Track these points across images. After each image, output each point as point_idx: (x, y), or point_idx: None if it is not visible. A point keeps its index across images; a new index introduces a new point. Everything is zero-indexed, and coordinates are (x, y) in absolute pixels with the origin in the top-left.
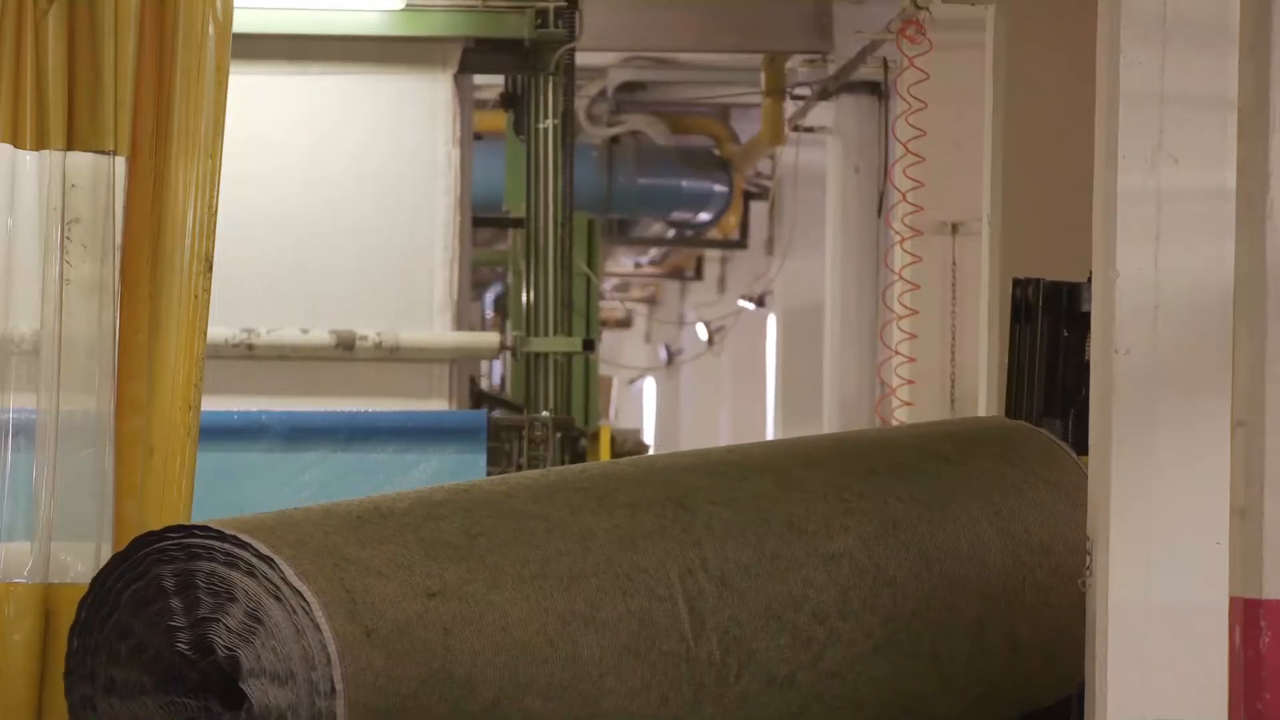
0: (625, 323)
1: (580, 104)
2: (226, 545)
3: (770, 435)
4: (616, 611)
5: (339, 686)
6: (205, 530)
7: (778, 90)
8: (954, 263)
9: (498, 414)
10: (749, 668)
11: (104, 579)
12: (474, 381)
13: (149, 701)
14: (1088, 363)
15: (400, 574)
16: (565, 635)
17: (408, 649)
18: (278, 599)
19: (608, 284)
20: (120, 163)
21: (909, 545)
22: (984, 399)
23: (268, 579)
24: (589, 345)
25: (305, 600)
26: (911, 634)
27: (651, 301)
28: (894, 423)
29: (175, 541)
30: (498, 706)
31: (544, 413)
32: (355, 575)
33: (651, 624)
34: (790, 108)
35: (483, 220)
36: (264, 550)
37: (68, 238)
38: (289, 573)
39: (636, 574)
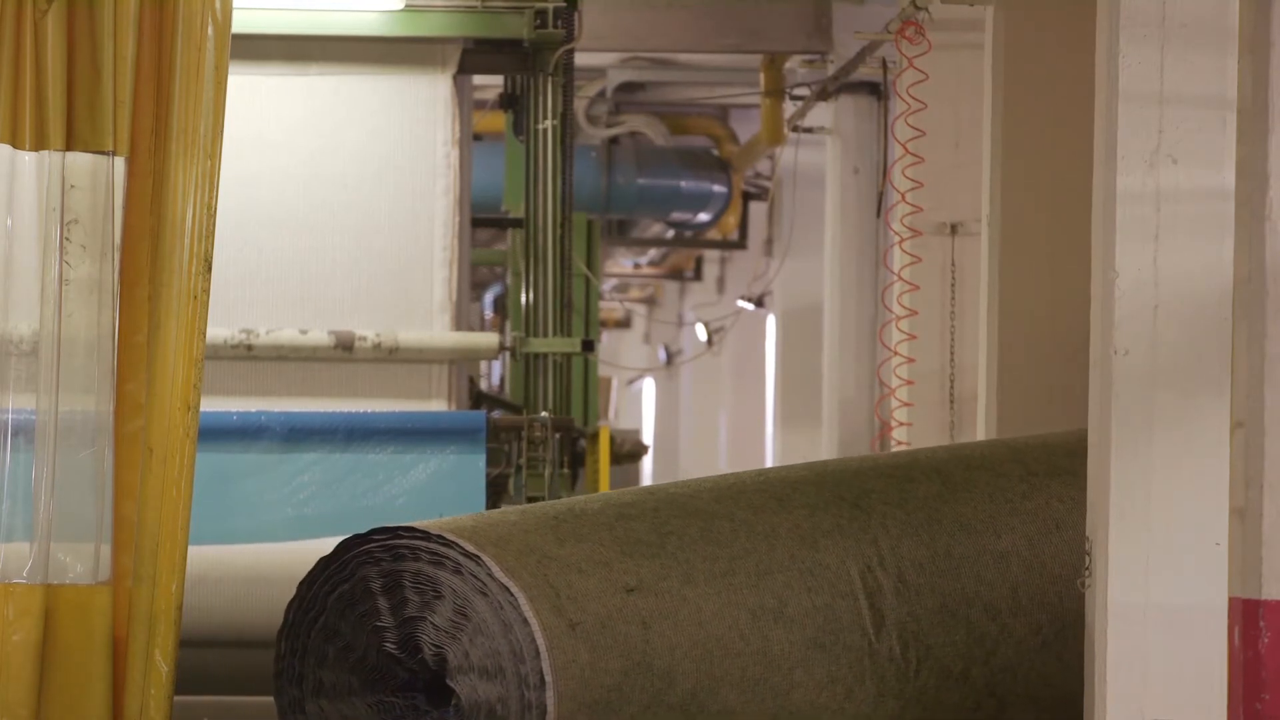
0: (624, 323)
1: (579, 104)
2: (433, 545)
3: (770, 436)
4: (802, 607)
5: (548, 678)
6: (411, 531)
7: (777, 91)
8: (953, 263)
9: (497, 414)
10: (927, 662)
11: (310, 583)
12: (473, 382)
13: (357, 702)
14: None
15: (599, 570)
16: (756, 630)
17: (610, 642)
18: (484, 595)
19: (607, 284)
20: (119, 163)
21: (1072, 544)
22: (983, 399)
23: (474, 576)
24: (588, 346)
25: (513, 595)
26: (1077, 632)
27: (651, 302)
28: (893, 423)
29: (380, 543)
30: (695, 698)
31: (543, 413)
32: (558, 571)
33: (835, 619)
34: (789, 108)
35: (482, 221)
36: (470, 548)
37: (67, 238)
38: (495, 570)
39: (819, 571)
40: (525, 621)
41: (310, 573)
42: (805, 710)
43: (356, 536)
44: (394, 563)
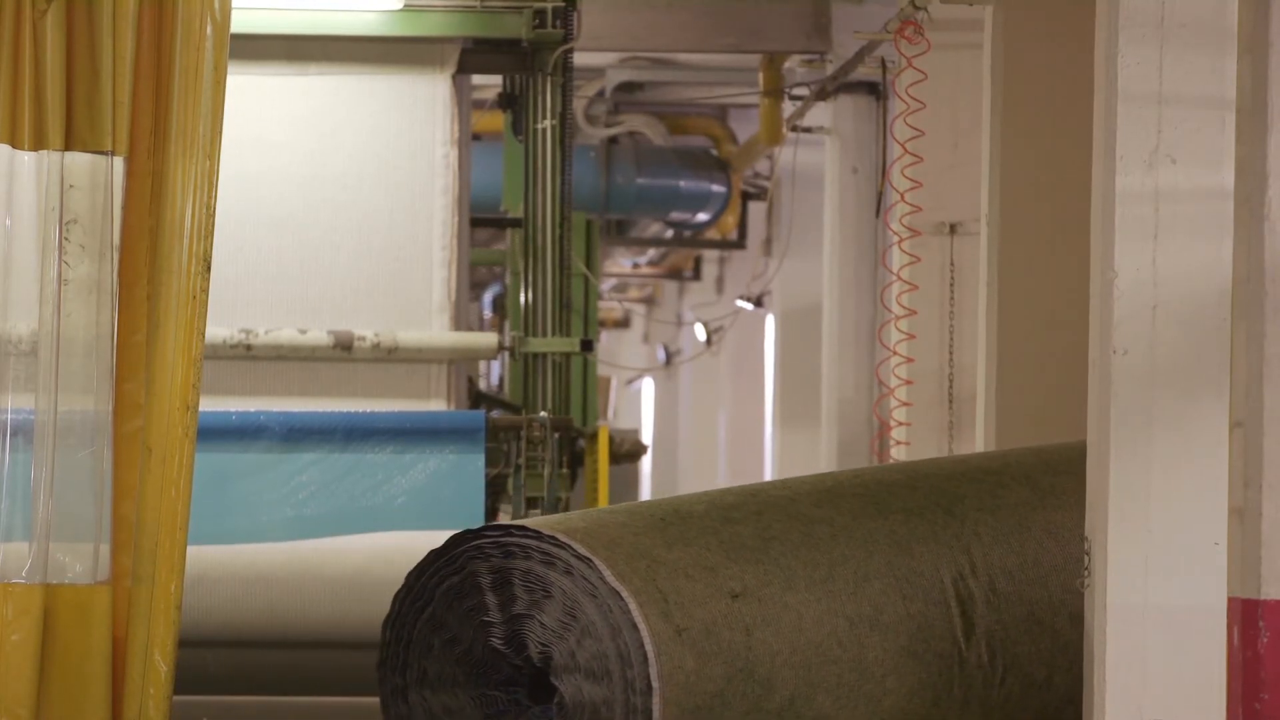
0: (623, 323)
1: (578, 104)
2: (544, 545)
3: (769, 435)
4: (897, 614)
5: (655, 684)
6: (523, 529)
7: (776, 91)
8: (952, 263)
9: (496, 414)
10: (1012, 670)
11: (420, 574)
12: (472, 382)
13: (460, 693)
14: None
15: (705, 575)
16: (853, 637)
17: (715, 649)
18: (593, 598)
19: (606, 284)
20: (118, 163)
21: None
22: (982, 399)
23: (585, 579)
24: (587, 345)
25: (623, 600)
26: None
27: (650, 302)
28: (892, 423)
29: (493, 540)
30: (792, 705)
31: (542, 413)
32: (666, 576)
33: (928, 627)
34: (788, 108)
35: (481, 220)
36: (582, 551)
37: (66, 238)
38: (607, 573)
39: (914, 578)
40: (634, 626)
41: (420, 564)
42: (895, 717)
43: (469, 531)
44: (504, 560)
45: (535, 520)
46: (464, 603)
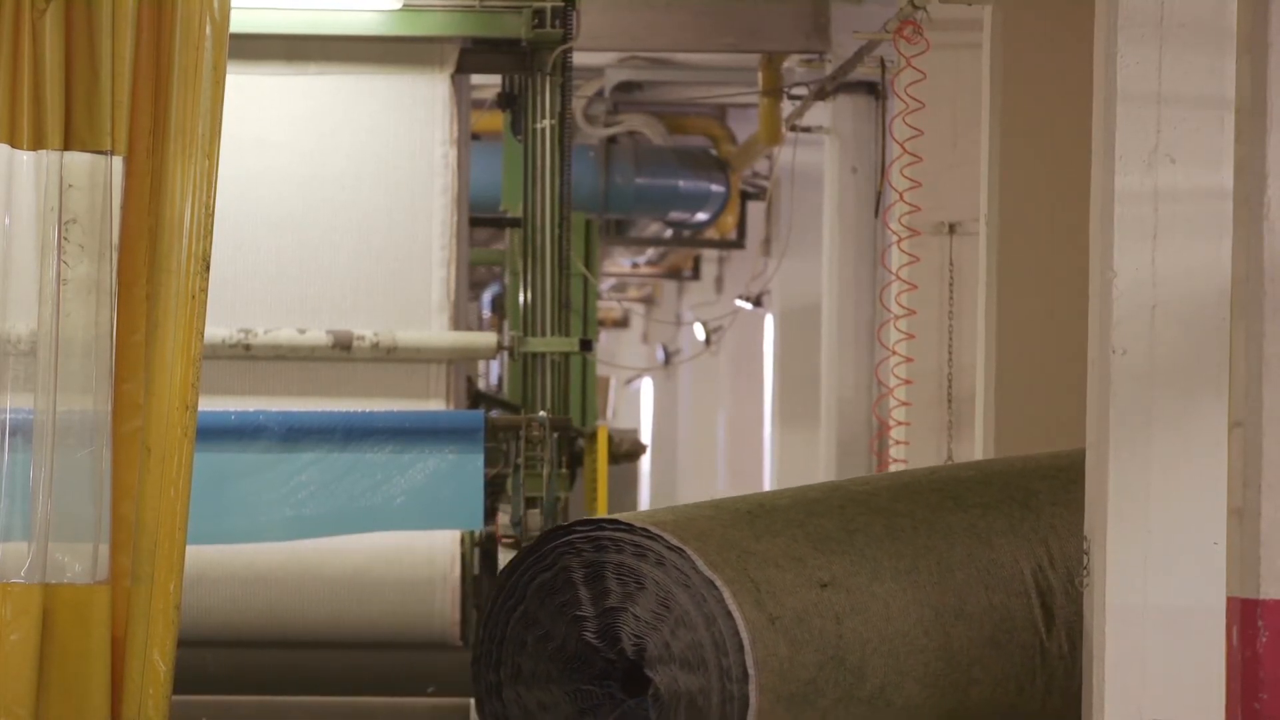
0: (623, 323)
1: (578, 104)
2: (636, 538)
3: (768, 435)
4: (980, 605)
5: (751, 671)
6: (614, 524)
7: (775, 90)
8: (951, 263)
9: (495, 414)
10: None
11: (511, 571)
12: (471, 381)
13: (554, 689)
14: None
15: (794, 566)
16: (938, 626)
17: (807, 636)
18: (687, 588)
19: (605, 284)
20: (117, 163)
21: None
22: (981, 399)
23: (678, 569)
24: (586, 345)
25: (717, 589)
26: None
27: (649, 301)
28: (891, 423)
29: (584, 535)
30: (883, 693)
31: (541, 413)
32: (757, 566)
33: (1010, 618)
34: (787, 108)
35: (480, 220)
36: (674, 542)
37: (65, 238)
38: (700, 563)
39: (995, 569)
40: (729, 615)
41: (511, 561)
42: (981, 707)
43: (560, 527)
44: (596, 554)
45: (625, 515)
46: (556, 598)
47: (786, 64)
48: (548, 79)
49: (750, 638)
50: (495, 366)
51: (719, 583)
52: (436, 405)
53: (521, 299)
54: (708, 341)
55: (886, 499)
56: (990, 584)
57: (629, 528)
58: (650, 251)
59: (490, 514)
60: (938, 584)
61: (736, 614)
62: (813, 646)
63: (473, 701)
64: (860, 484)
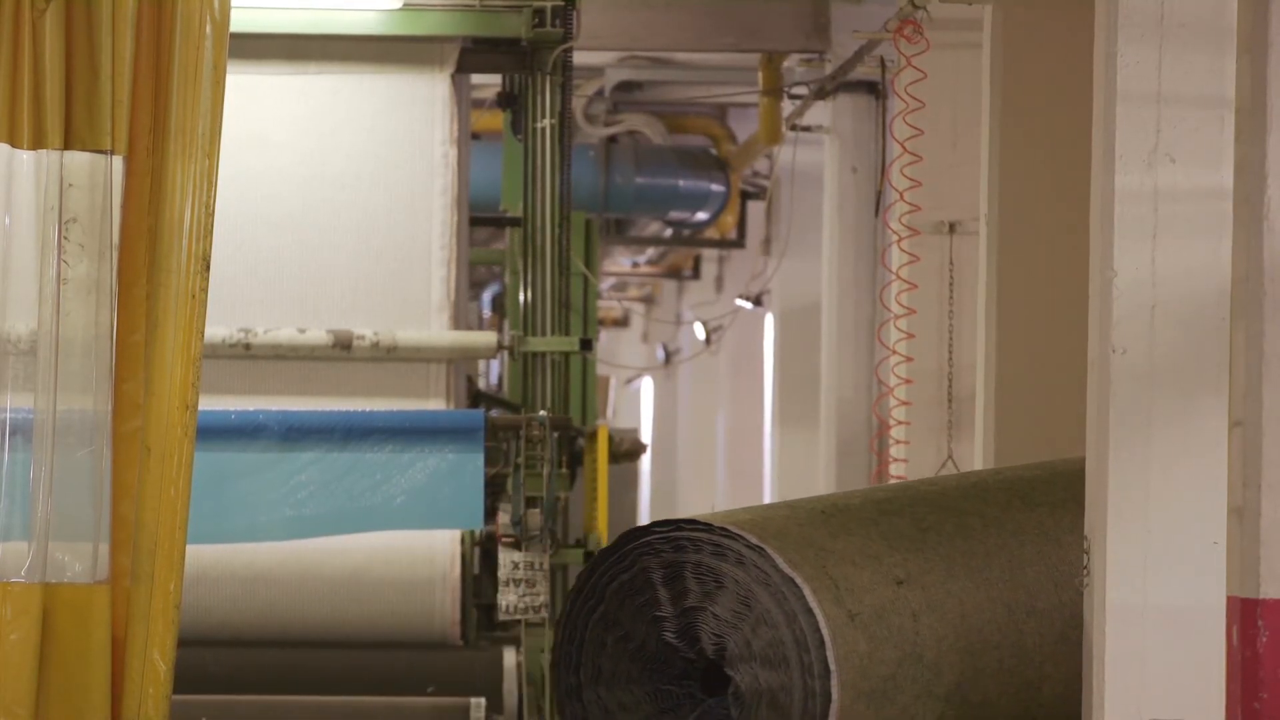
0: (623, 322)
1: (578, 104)
2: (715, 537)
3: (768, 434)
4: (1050, 602)
5: (833, 667)
6: (693, 524)
7: (775, 90)
8: (951, 262)
9: (495, 413)
10: None
11: (590, 573)
12: (471, 381)
13: (635, 689)
14: None
15: (871, 563)
16: (1011, 623)
17: (885, 633)
18: (766, 586)
19: (605, 283)
20: (117, 162)
21: None
22: (982, 398)
23: (757, 568)
24: (586, 345)
25: (797, 587)
26: None
27: (649, 301)
28: (891, 422)
29: (662, 535)
30: (959, 690)
31: (541, 412)
32: (835, 564)
33: (1079, 615)
34: (787, 107)
35: (480, 220)
36: (754, 541)
37: (65, 237)
38: (780, 561)
39: (1063, 567)
40: (810, 612)
41: (590, 563)
42: (1053, 704)
43: (638, 528)
44: (675, 554)
45: (702, 515)
46: (636, 599)
47: (786, 63)
48: (548, 78)
49: (831, 634)
50: (495, 366)
51: (799, 580)
52: (436, 405)
53: (521, 298)
54: (708, 341)
55: (955, 498)
56: (1060, 581)
57: (708, 527)
58: (650, 251)
59: (490, 513)
60: (1009, 581)
61: (817, 611)
62: (891, 643)
63: (471, 701)
64: (928, 484)
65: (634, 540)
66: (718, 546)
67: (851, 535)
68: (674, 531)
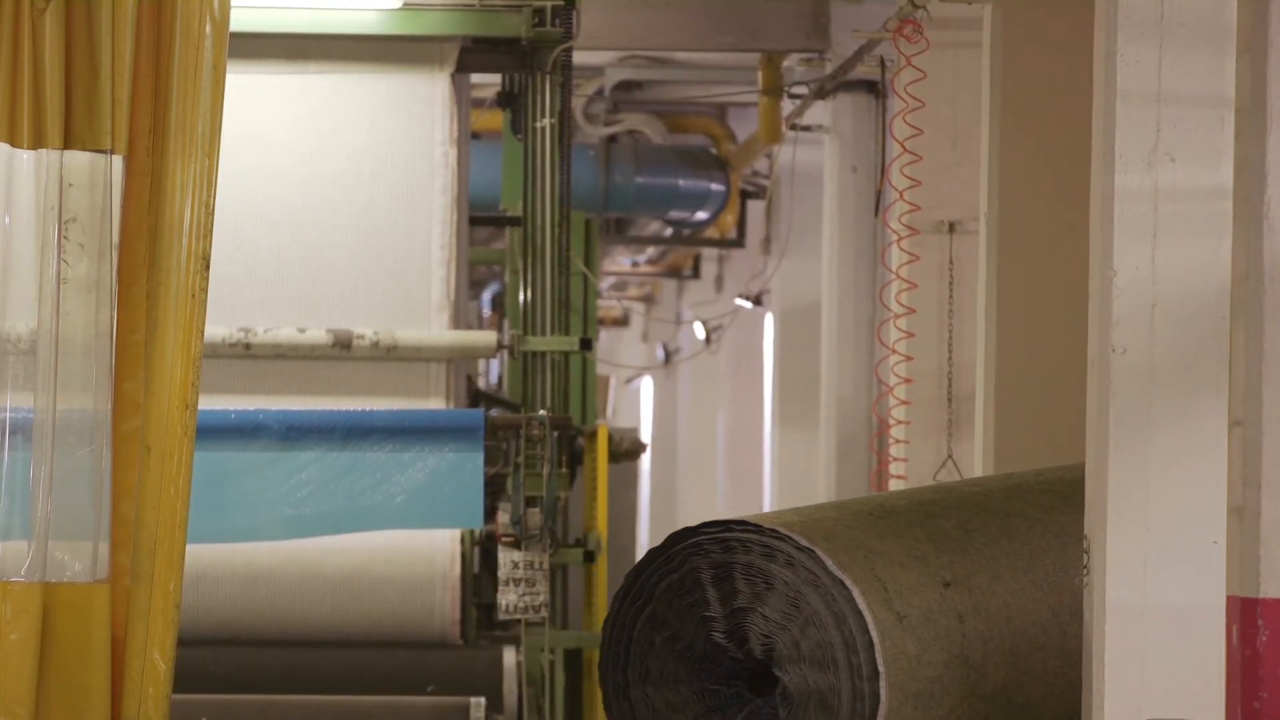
0: (623, 322)
1: (577, 103)
2: (765, 538)
3: (768, 434)
4: None
5: (881, 669)
6: (742, 524)
7: (775, 89)
8: (951, 261)
9: (495, 413)
10: None
11: (638, 573)
12: (471, 380)
13: (682, 689)
14: None
15: (918, 565)
16: (1055, 625)
17: (933, 635)
18: (816, 588)
19: (605, 283)
20: (117, 161)
21: None
22: (982, 397)
23: (807, 569)
24: (586, 344)
25: (846, 588)
26: None
27: (649, 300)
28: (891, 421)
29: (711, 536)
30: (1004, 691)
31: (541, 411)
32: (883, 566)
33: None
34: (787, 107)
35: (480, 219)
36: (804, 542)
37: (65, 237)
38: (829, 563)
39: None
40: (859, 613)
41: (638, 563)
42: None
43: (687, 529)
44: (725, 554)
45: (751, 516)
46: (684, 599)
47: (786, 63)
48: (548, 78)
49: (880, 636)
50: (495, 365)
51: (849, 582)
52: (436, 404)
53: (521, 298)
54: (708, 340)
55: (999, 500)
56: None
57: (757, 529)
58: (650, 250)
59: (490, 513)
60: (1054, 583)
61: (866, 613)
62: (939, 645)
63: (471, 701)
64: (972, 485)
65: (683, 541)
66: (767, 548)
67: (899, 537)
68: (723, 532)
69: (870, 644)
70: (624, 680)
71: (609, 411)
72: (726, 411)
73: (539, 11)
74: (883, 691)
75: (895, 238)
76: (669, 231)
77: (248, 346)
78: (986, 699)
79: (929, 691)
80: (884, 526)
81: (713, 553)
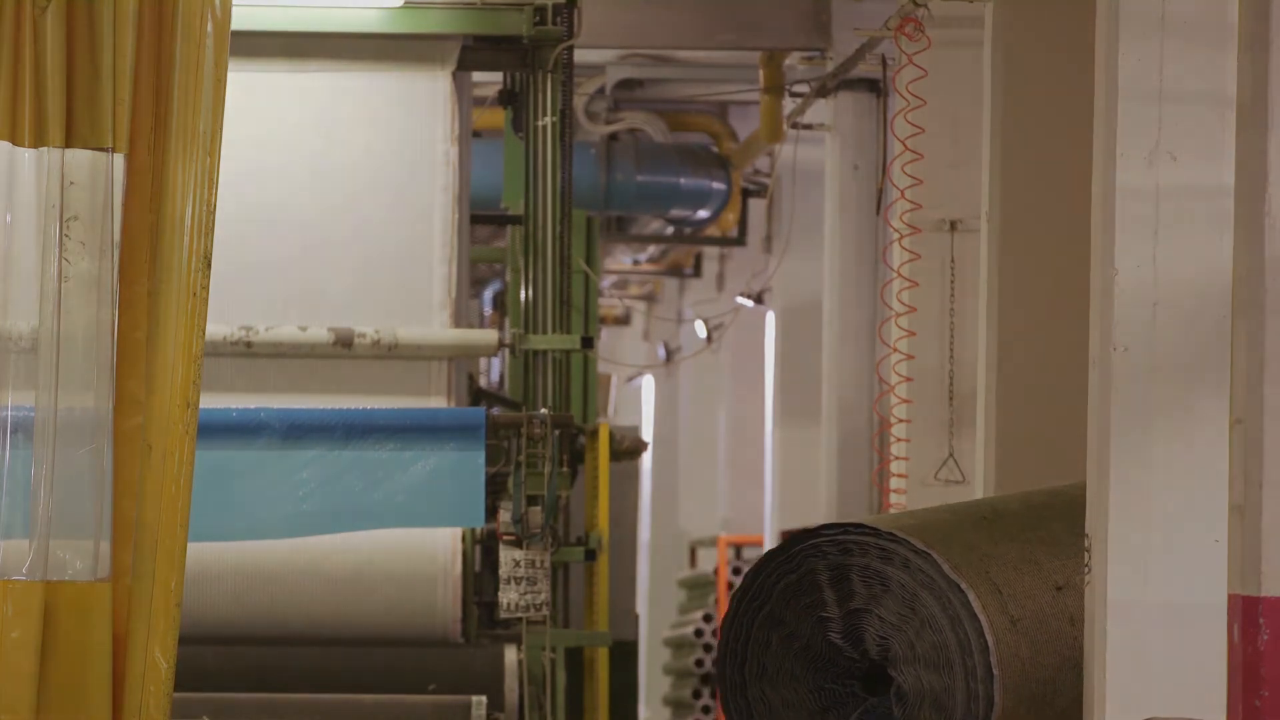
0: (624, 320)
1: (579, 101)
2: (882, 541)
3: (769, 432)
4: None
5: (996, 671)
6: (860, 527)
7: (776, 87)
8: (952, 260)
9: (496, 411)
10: None
11: (757, 574)
12: (473, 379)
13: (798, 687)
14: None
15: (1030, 569)
16: None
17: (1046, 638)
18: (931, 590)
19: (606, 281)
20: (119, 160)
21: None
22: (983, 396)
23: (923, 572)
24: (588, 343)
25: (962, 592)
26: None
27: (650, 299)
28: (892, 420)
29: (830, 538)
30: None
31: (543, 410)
32: (997, 569)
33: None
34: (789, 105)
35: (481, 218)
36: (920, 546)
37: (66, 235)
38: (945, 566)
39: None
40: (975, 617)
41: (756, 564)
42: None
43: (805, 531)
44: (842, 556)
45: (868, 519)
46: (802, 599)
47: (788, 61)
48: (549, 76)
49: (994, 639)
50: (496, 364)
51: (964, 586)
52: (437, 402)
53: (522, 296)
54: (709, 339)
55: None
56: None
57: (874, 531)
58: (651, 249)
59: (491, 511)
60: None
61: (981, 616)
62: (1051, 648)
63: (473, 699)
64: (1078, 489)
65: (801, 542)
66: (883, 550)
67: (1013, 541)
68: (841, 535)
69: (985, 647)
70: (741, 678)
71: (610, 410)
72: (728, 410)
73: (540, 10)
74: (996, 694)
75: (896, 236)
76: (670, 230)
77: (249, 345)
78: None
79: (1041, 694)
80: (997, 530)
81: (830, 554)
